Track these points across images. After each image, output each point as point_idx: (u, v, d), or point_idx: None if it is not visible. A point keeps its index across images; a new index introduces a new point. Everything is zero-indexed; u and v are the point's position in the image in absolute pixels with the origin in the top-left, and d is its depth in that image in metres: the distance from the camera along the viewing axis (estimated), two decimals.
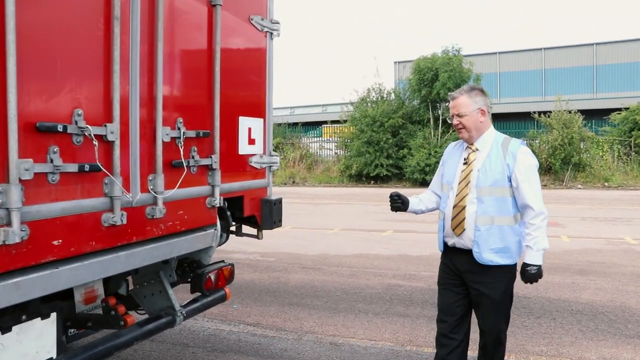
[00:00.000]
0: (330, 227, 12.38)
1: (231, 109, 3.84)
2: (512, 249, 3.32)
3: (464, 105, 3.38)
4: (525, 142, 3.57)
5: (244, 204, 4.05)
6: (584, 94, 35.05)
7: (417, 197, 3.78)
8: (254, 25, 4.05)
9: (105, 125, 2.74)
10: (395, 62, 38.28)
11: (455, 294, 3.50)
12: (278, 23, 4.29)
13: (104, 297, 3.62)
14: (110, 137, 2.76)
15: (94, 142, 2.65)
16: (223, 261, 4.52)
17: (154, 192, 3.11)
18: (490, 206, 3.26)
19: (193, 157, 3.43)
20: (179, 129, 3.28)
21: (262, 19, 4.12)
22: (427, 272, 7.97)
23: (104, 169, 2.71)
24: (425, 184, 23.07)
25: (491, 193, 3.27)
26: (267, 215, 4.22)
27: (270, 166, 4.35)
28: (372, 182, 25.19)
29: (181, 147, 3.27)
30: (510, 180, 3.27)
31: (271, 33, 4.26)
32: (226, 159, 3.81)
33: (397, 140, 24.58)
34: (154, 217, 3.12)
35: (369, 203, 17.66)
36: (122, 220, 2.87)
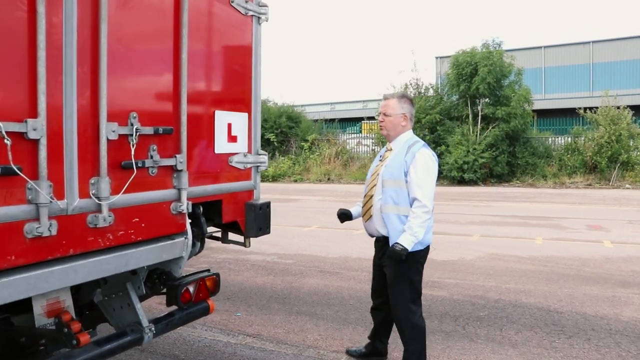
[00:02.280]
0: (358, 227, 11.81)
1: (204, 103, 3.41)
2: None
3: (392, 107, 3.88)
4: (428, 146, 4.03)
5: (222, 209, 3.61)
6: (635, 88, 33.37)
7: (358, 204, 4.24)
8: (236, 8, 3.59)
9: (25, 121, 2.33)
10: (436, 58, 37.37)
11: (379, 278, 4.18)
12: (266, 6, 3.83)
13: (72, 308, 3.27)
14: (32, 135, 2.35)
15: (5, 140, 2.23)
16: (207, 270, 4.10)
17: (97, 197, 2.69)
18: (390, 196, 3.77)
19: (152, 157, 3.00)
20: (131, 124, 2.86)
21: (246, 1, 3.66)
22: (451, 279, 7.39)
23: (21, 173, 2.30)
24: (463, 182, 22.36)
25: (392, 184, 3.75)
26: (252, 221, 3.77)
27: (258, 166, 3.90)
28: None
29: (132, 145, 2.84)
30: (406, 175, 3.72)
31: (258, 17, 3.80)
32: (198, 158, 3.38)
33: (434, 137, 23.81)
34: (97, 226, 2.71)
35: None
36: (50, 231, 2.46)
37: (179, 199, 3.20)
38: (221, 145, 3.54)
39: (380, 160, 4.02)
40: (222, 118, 3.53)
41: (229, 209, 3.67)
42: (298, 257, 9.07)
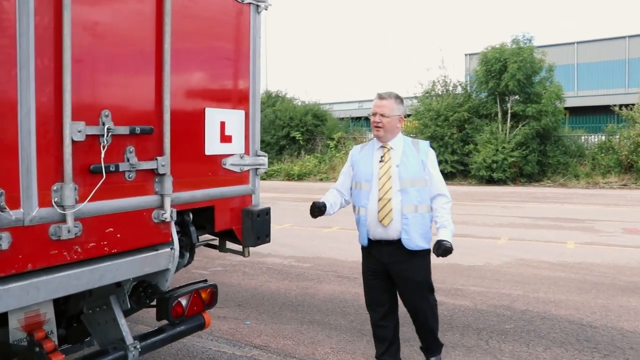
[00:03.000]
0: None
1: (192, 99, 3.08)
2: (430, 233, 3.79)
3: (390, 108, 3.77)
4: (430, 143, 4.15)
5: (215, 216, 3.28)
6: None
7: (328, 202, 4.01)
8: None
9: None
10: (465, 55, 36.58)
11: (381, 286, 3.93)
12: None
13: (53, 321, 3.01)
14: None
15: None
16: (204, 280, 3.79)
17: (60, 206, 2.38)
18: (415, 196, 3.68)
19: (128, 160, 2.69)
20: (103, 123, 2.54)
21: None
22: (476, 287, 6.96)
23: None
24: (491, 181, 21.77)
25: (413, 184, 3.68)
26: (249, 229, 3.43)
27: (257, 169, 3.56)
28: None
29: (103, 147, 2.52)
30: (425, 174, 3.73)
31: (257, 5, 3.46)
32: (185, 161, 3.05)
33: (462, 135, 23.25)
34: (62, 238, 2.40)
35: None
36: (1, 245, 2.16)
37: (161, 206, 2.88)
38: (213, 146, 3.21)
39: (381, 161, 3.80)
40: (214, 116, 3.20)
41: (223, 216, 3.34)
42: (316, 260, 8.72)
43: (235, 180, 3.40)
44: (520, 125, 21.99)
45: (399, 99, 3.86)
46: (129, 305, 3.21)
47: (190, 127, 3.06)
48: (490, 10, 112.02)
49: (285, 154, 28.94)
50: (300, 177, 26.76)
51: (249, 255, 3.70)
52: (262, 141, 18.79)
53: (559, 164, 22.50)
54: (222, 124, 3.25)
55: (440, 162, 23.02)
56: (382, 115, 3.76)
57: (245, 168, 3.45)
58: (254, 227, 3.41)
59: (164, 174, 2.85)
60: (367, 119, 32.36)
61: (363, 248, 3.97)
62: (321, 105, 31.75)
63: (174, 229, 3.02)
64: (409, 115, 26.01)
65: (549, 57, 23.08)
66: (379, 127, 3.78)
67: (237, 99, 3.39)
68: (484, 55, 22.87)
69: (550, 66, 22.65)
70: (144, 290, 3.25)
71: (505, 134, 22.22)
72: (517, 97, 22.59)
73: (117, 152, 2.63)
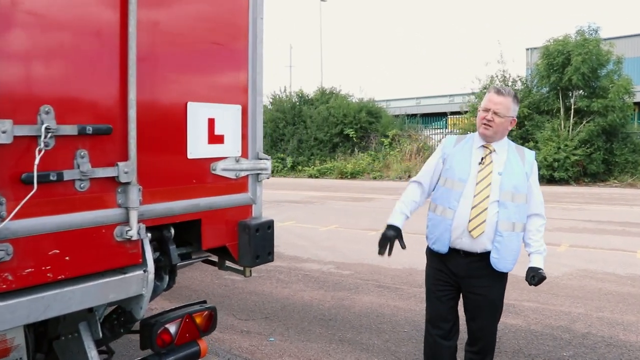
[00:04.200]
0: None
1: (170, 91, 2.56)
2: (519, 254, 3.40)
3: (506, 107, 3.32)
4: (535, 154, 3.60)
5: (202, 232, 2.75)
6: None
7: (402, 213, 3.56)
8: None
9: None
10: (526, 49, 34.90)
11: (448, 300, 3.53)
12: None
13: (24, 347, 2.60)
14: None
15: None
16: (203, 302, 3.29)
17: None
18: (514, 212, 3.28)
19: (78, 167, 2.19)
20: (41, 122, 2.04)
21: None
22: (531, 302, 6.21)
23: None
24: (553, 181, 20.60)
25: (514, 199, 3.29)
26: (245, 246, 2.89)
27: (258, 174, 3.01)
28: None
29: (39, 151, 2.02)
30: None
31: None
32: (159, 166, 2.54)
33: (522, 133, 22.15)
34: None
35: None
36: None
37: (126, 222, 2.37)
38: (198, 147, 2.68)
39: (480, 163, 3.36)
40: (199, 111, 2.67)
41: (213, 230, 2.81)
42: (357, 267, 8.14)
43: (229, 188, 2.86)
44: (584, 122, 20.73)
45: (517, 98, 3.43)
46: (101, 334, 2.73)
47: (166, 126, 2.54)
48: (553, 1, 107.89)
49: (338, 151, 28.45)
50: (353, 175, 26.26)
51: (250, 275, 3.16)
52: (315, 138, 18.45)
53: (627, 162, 21.07)
54: (211, 122, 2.72)
55: None
56: (495, 113, 3.29)
57: (243, 174, 2.91)
58: (252, 243, 2.86)
59: (128, 183, 2.34)
60: (425, 115, 31.50)
61: (433, 254, 3.55)
62: (377, 102, 31.15)
63: (147, 248, 2.51)
64: (466, 112, 25.05)
65: (617, 48, 21.61)
66: (489, 125, 3.32)
67: (231, 91, 2.84)
68: (546, 48, 21.66)
69: (619, 58, 21.21)
70: (117, 318, 2.76)
71: (568, 130, 20.98)
72: (581, 91, 21.30)
73: (63, 157, 2.14)
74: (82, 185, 2.21)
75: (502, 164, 3.34)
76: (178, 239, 2.82)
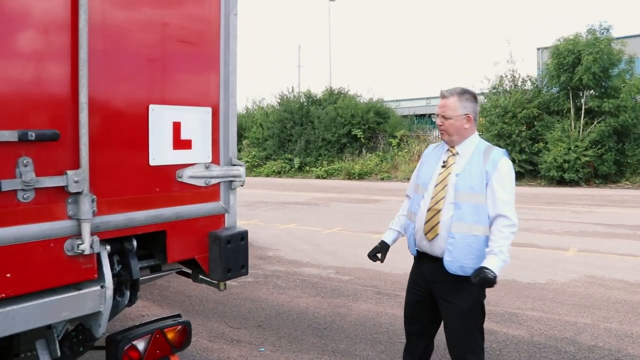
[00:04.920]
0: None
1: (128, 92, 2.37)
2: (481, 259, 3.15)
3: (452, 107, 3.26)
4: (508, 153, 3.39)
5: (167, 244, 2.56)
6: None
7: (394, 230, 3.68)
8: None
9: None
10: (537, 49, 34.46)
11: (422, 300, 3.47)
12: None
13: None
14: None
15: None
16: (177, 316, 3.10)
17: None
18: (468, 213, 3.17)
19: (20, 176, 2.00)
20: None
21: None
22: (535, 311, 5.97)
23: None
24: (562, 182, 20.29)
25: (470, 199, 3.18)
26: (216, 259, 2.69)
27: (231, 181, 2.81)
28: None
29: None
30: (486, 188, 3.18)
31: None
32: (118, 174, 2.35)
33: (531, 133, 21.83)
34: None
35: None
36: None
37: (79, 234, 2.18)
38: (161, 154, 2.49)
39: (443, 166, 3.33)
40: (163, 115, 2.48)
41: (180, 242, 2.62)
42: (357, 272, 7.92)
43: (198, 196, 2.67)
44: (595, 122, 20.39)
45: (465, 94, 3.28)
46: (59, 353, 2.55)
47: (125, 131, 2.36)
48: (564, 1, 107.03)
49: (346, 152, 28.25)
50: (361, 176, 26.07)
51: (224, 288, 2.97)
52: (322, 139, 18.14)
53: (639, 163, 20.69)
54: (176, 126, 2.53)
55: None
56: (443, 116, 3.27)
57: (214, 181, 2.71)
58: (223, 256, 2.66)
59: (79, 193, 2.15)
60: (431, 116, 31.21)
61: (414, 258, 3.57)
62: (386, 102, 30.93)
63: (105, 262, 2.33)
64: None
65: (629, 47, 21.25)
66: (442, 130, 3.33)
67: (200, 93, 2.65)
68: (556, 47, 21.33)
69: (631, 57, 20.83)
70: (76, 336, 2.58)
71: (579, 131, 20.64)
72: (592, 91, 20.95)
73: (3, 166, 1.95)
74: (25, 195, 2.02)
75: (463, 166, 3.25)
76: (147, 251, 2.64)
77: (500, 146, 18.84)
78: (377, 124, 28.55)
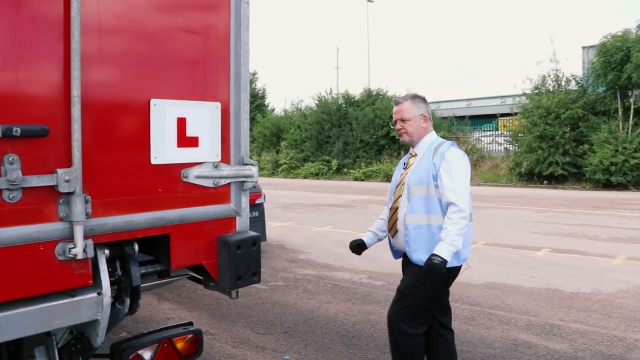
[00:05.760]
0: (473, 239, 10.05)
1: (127, 85, 2.21)
2: None
3: (408, 110, 3.52)
4: (456, 144, 3.53)
5: (171, 248, 2.39)
6: None
7: (372, 231, 3.90)
8: None
9: None
10: (583, 47, 33.41)
11: None
12: None
13: None
14: None
15: None
16: (188, 324, 2.94)
17: None
18: (418, 205, 3.35)
19: (6, 175, 1.86)
20: None
21: None
22: (579, 323, 5.60)
23: None
24: (609, 186, 19.51)
25: (418, 191, 3.35)
26: (225, 265, 2.51)
27: (242, 182, 2.62)
28: (545, 182, 21.93)
29: None
30: (435, 179, 3.32)
31: None
32: (116, 173, 2.19)
33: (576, 135, 21.10)
34: None
35: (532, 208, 14.93)
36: None
37: (71, 237, 2.03)
38: (164, 151, 2.32)
39: (404, 168, 3.63)
40: (166, 110, 2.31)
41: (186, 246, 2.44)
42: (391, 277, 7.66)
43: (206, 198, 2.49)
44: None
45: (417, 97, 3.61)
46: None
47: (123, 127, 2.20)
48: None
49: (384, 154, 27.91)
50: None
51: (236, 296, 2.78)
52: (360, 141, 17.88)
53: None
54: (181, 122, 2.35)
55: (550, 164, 21.15)
56: (401, 120, 3.54)
57: (223, 182, 2.53)
58: (232, 262, 2.48)
59: (71, 193, 1.99)
60: (474, 117, 30.59)
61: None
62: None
63: (103, 268, 2.17)
64: (516, 113, 24.12)
65: None
66: (402, 133, 3.59)
67: (208, 86, 2.47)
68: (603, 45, 20.53)
69: None
70: (75, 344, 2.43)
71: (627, 132, 19.83)
72: None
73: None
74: (11, 195, 1.88)
75: (415, 164, 3.50)
76: (154, 256, 2.48)
77: (542, 148, 18.21)
78: None
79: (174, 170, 2.37)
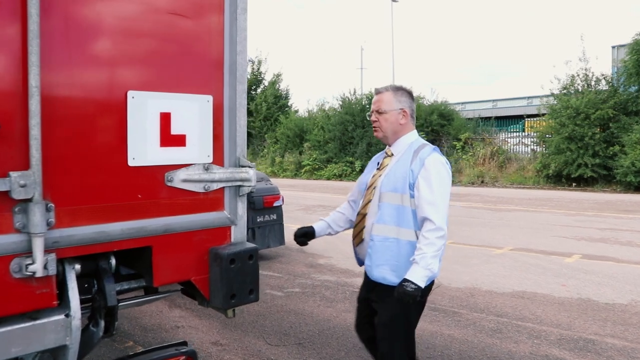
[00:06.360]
0: (499, 244, 9.74)
1: (100, 75, 1.90)
2: (406, 266, 2.89)
3: (387, 102, 3.14)
4: (439, 150, 3.09)
5: (154, 262, 2.08)
6: None
7: (325, 221, 3.55)
8: None
9: None
10: (613, 47, 32.53)
11: (364, 311, 3.35)
12: None
13: None
14: None
15: None
16: (181, 344, 2.64)
17: None
18: (389, 215, 2.99)
19: None
20: None
21: None
22: (616, 338, 5.18)
23: None
24: None
25: (391, 200, 2.99)
26: (217, 281, 2.20)
27: (239, 186, 2.31)
28: (573, 184, 21.30)
29: None
30: (412, 188, 2.95)
31: None
32: (86, 176, 1.89)
33: (606, 135, 20.45)
34: None
35: (561, 211, 14.39)
36: None
37: (29, 252, 1.73)
38: (144, 152, 2.02)
39: (378, 168, 3.24)
40: (147, 103, 2.01)
41: (171, 260, 2.14)
42: None
43: (194, 205, 2.18)
44: None
45: (400, 90, 3.19)
46: None
47: (94, 122, 1.90)
48: None
49: None
50: None
51: (233, 316, 2.47)
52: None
53: None
54: (165, 117, 2.05)
55: (579, 166, 20.54)
56: (378, 112, 3.14)
57: (215, 186, 2.22)
58: (224, 278, 2.17)
59: (28, 200, 1.70)
60: (500, 118, 29.95)
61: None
62: (451, 104, 30.05)
63: (72, 286, 1.87)
64: (543, 114, 23.52)
65: None
66: (376, 127, 3.19)
67: (198, 77, 2.16)
68: (636, 42, 19.88)
69: None
70: None
71: None
72: None
73: None
74: None
75: (391, 166, 3.12)
76: (138, 270, 2.17)
77: (570, 149, 17.68)
78: (441, 126, 27.69)
79: (156, 173, 2.06)
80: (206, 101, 2.18)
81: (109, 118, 1.92)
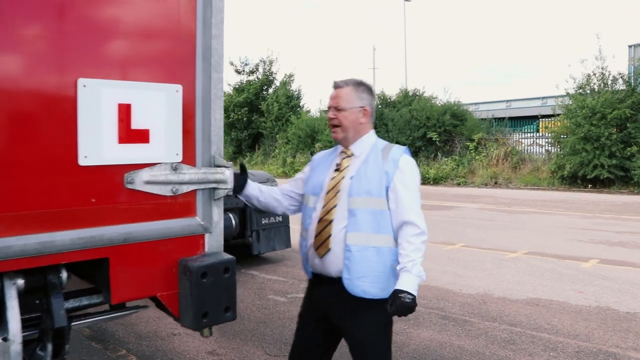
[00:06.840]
0: (513, 248, 9.38)
1: (42, 58, 1.63)
2: (391, 277, 2.69)
3: (347, 99, 2.87)
4: (409, 150, 2.85)
5: (111, 276, 1.81)
6: None
7: (259, 187, 3.03)
8: None
9: None
10: (629, 46, 31.91)
11: (315, 337, 2.94)
12: None
13: None
14: None
15: None
16: None
17: None
18: (365, 221, 2.73)
19: None
20: None
21: None
22: (639, 352, 4.85)
23: None
24: None
25: (366, 204, 2.74)
26: (186, 297, 1.92)
27: (214, 189, 2.03)
28: (589, 185, 20.85)
29: None
30: (387, 192, 2.74)
31: None
32: (27, 177, 1.62)
33: (623, 136, 19.96)
34: None
35: (577, 214, 13.98)
36: None
37: None
38: (99, 149, 1.74)
39: (336, 170, 2.91)
40: (101, 93, 1.73)
41: (132, 274, 1.86)
42: (422, 290, 6.95)
43: (160, 210, 1.90)
44: None
45: (362, 85, 2.94)
46: None
47: (36, 115, 1.63)
48: None
49: (421, 156, 27.16)
50: (436, 181, 25.02)
51: (210, 334, 2.18)
52: (396, 142, 17.01)
53: None
54: (124, 110, 1.78)
55: (595, 167, 20.09)
56: (336, 108, 2.86)
57: (185, 188, 1.94)
58: (195, 294, 1.88)
59: None
60: (514, 119, 29.50)
61: (309, 280, 3.08)
62: (464, 105, 29.70)
63: (11, 304, 1.60)
64: (558, 115, 23.09)
65: None
66: (335, 125, 2.90)
67: (164, 63, 1.89)
68: None
69: None
70: None
71: None
72: None
73: None
74: None
75: (357, 167, 2.84)
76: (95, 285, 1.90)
77: (586, 150, 17.27)
78: (454, 127, 27.33)
79: (113, 174, 1.79)
80: (175, 91, 1.91)
81: (55, 110, 1.65)
